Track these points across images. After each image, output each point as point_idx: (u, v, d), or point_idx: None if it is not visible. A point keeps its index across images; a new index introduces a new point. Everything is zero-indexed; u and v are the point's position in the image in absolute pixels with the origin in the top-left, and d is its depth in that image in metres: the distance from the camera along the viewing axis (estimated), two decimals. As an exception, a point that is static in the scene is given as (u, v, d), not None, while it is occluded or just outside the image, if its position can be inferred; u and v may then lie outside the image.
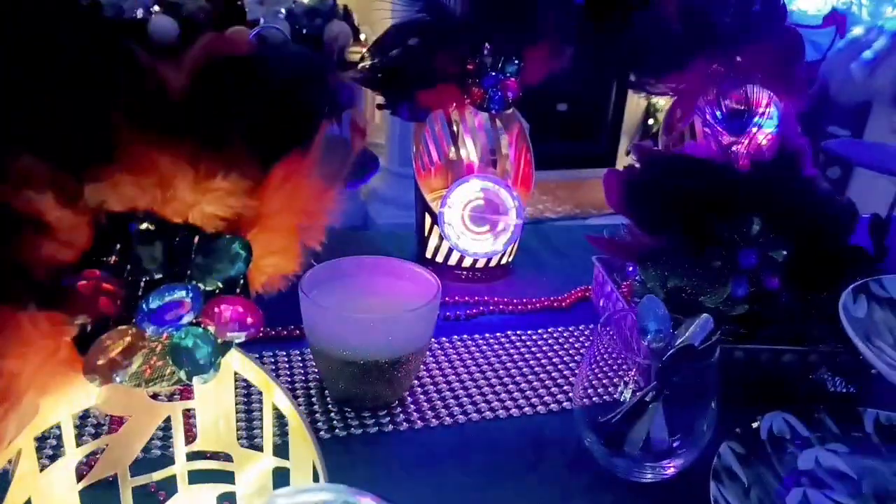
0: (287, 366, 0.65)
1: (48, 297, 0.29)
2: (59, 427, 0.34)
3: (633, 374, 0.56)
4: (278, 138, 0.35)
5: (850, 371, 0.66)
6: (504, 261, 0.85)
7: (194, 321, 0.32)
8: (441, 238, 0.82)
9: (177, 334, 0.32)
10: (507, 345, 0.72)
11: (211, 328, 0.33)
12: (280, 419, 0.37)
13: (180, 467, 0.37)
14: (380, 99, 0.89)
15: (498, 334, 0.73)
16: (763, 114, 0.83)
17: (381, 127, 2.67)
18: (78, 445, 0.34)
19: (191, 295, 0.32)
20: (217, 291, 0.33)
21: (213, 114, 0.33)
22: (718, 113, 0.90)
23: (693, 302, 0.63)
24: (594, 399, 0.57)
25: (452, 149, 0.88)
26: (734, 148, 0.76)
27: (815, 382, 0.67)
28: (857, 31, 2.68)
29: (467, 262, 0.84)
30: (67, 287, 0.30)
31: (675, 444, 0.54)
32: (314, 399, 0.60)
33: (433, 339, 0.71)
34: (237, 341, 0.34)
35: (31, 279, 0.29)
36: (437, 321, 0.75)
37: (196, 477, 0.38)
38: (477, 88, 0.85)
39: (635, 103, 3.56)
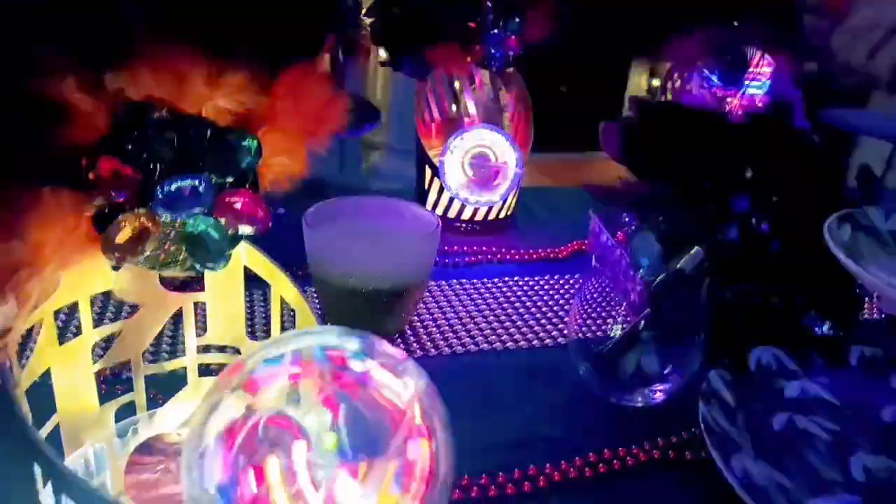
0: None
1: (70, 178, 0.31)
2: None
3: (622, 309, 0.58)
4: (286, 46, 0.37)
5: (836, 313, 0.68)
6: (503, 214, 0.87)
7: (206, 211, 0.34)
8: (440, 191, 0.84)
9: (190, 222, 0.34)
10: (504, 289, 0.74)
11: (222, 220, 0.35)
12: (289, 311, 0.39)
13: (190, 360, 0.39)
14: (382, 56, 0.90)
15: (496, 279, 0.75)
16: (758, 73, 0.85)
17: (382, 103, 2.67)
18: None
19: (203, 185, 0.34)
20: (228, 185, 0.35)
21: (227, 17, 0.35)
22: (714, 77, 0.92)
23: (686, 244, 0.65)
24: (587, 333, 0.59)
25: (453, 106, 0.89)
26: (728, 100, 0.77)
27: (804, 327, 0.69)
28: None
29: (467, 215, 0.85)
30: (87, 169, 0.32)
31: (665, 373, 0.56)
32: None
33: (433, 282, 0.73)
34: (247, 233, 0.35)
35: (54, 160, 0.31)
36: (437, 267, 0.77)
37: (206, 370, 0.40)
38: (478, 46, 0.86)
39: (636, 84, 3.56)
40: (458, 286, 0.73)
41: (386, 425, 0.24)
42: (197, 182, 0.34)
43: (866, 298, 0.74)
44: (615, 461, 0.49)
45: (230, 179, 0.35)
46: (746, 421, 0.53)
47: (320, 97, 0.37)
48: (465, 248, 0.81)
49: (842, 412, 0.55)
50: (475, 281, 0.75)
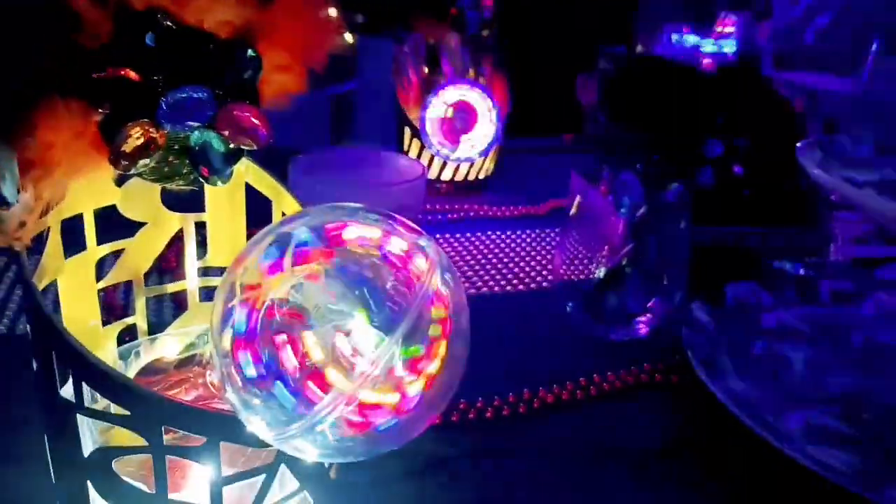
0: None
1: (76, 87, 0.32)
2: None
3: (604, 254, 0.60)
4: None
5: (808, 252, 0.71)
6: (481, 175, 0.88)
7: (209, 125, 0.35)
8: (420, 151, 0.85)
9: (194, 134, 0.34)
10: (487, 242, 0.75)
11: (225, 133, 0.35)
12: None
13: (191, 283, 0.40)
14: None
15: (478, 233, 0.76)
16: (723, 31, 0.87)
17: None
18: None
19: (207, 96, 0.34)
20: (229, 100, 0.36)
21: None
22: (686, 33, 0.94)
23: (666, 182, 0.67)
24: (572, 276, 0.60)
25: (431, 69, 0.90)
26: (698, 54, 0.80)
27: (777, 269, 0.71)
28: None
29: (446, 176, 0.86)
30: (93, 77, 0.32)
31: (648, 306, 0.58)
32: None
33: (417, 236, 0.73)
34: (249, 148, 0.36)
35: (62, 69, 0.31)
36: (420, 224, 0.78)
37: (208, 294, 0.40)
38: (453, 9, 0.88)
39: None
40: (441, 240, 0.74)
41: (404, 290, 0.25)
42: (199, 94, 0.34)
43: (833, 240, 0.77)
44: (604, 384, 0.51)
45: (231, 93, 0.35)
46: (727, 347, 0.55)
47: (317, 15, 0.38)
48: (445, 206, 0.82)
49: (816, 339, 0.58)
50: (458, 235, 0.76)
